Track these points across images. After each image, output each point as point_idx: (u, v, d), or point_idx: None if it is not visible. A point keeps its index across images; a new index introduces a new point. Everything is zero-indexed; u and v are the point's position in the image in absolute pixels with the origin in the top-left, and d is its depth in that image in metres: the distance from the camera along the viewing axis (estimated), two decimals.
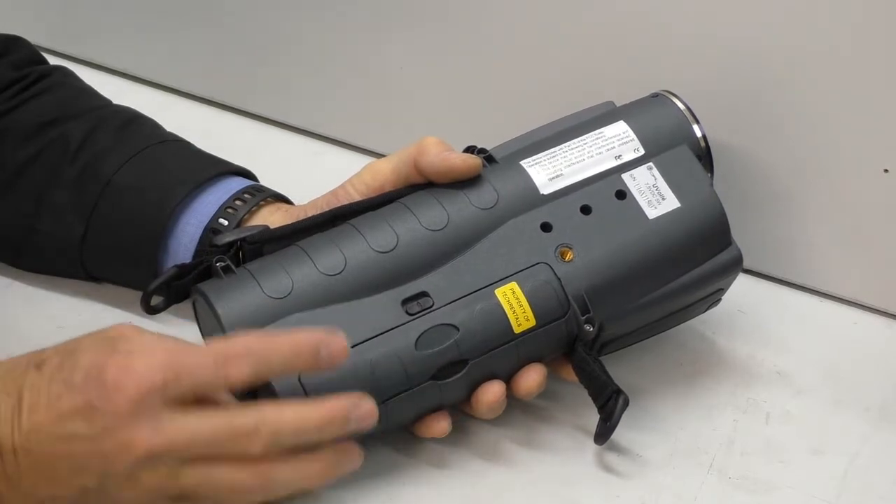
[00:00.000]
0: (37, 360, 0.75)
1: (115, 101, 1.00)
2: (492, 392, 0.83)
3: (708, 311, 0.92)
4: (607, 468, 0.86)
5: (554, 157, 0.87)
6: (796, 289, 1.00)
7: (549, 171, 0.87)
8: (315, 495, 0.83)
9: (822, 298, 1.00)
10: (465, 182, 0.86)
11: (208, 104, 1.15)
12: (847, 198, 0.96)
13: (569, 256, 0.85)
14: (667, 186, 0.87)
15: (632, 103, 0.91)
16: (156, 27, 1.15)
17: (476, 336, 0.82)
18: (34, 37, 1.03)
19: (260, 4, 1.10)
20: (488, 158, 0.88)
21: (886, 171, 0.93)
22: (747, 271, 1.00)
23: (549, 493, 0.84)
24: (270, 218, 0.90)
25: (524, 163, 0.87)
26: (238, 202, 0.91)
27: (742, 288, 0.98)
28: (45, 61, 1.01)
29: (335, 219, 0.86)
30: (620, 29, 0.97)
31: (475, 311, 0.83)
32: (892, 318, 0.98)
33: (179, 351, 0.74)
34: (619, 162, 0.88)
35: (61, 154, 0.94)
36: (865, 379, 0.93)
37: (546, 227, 0.85)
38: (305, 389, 0.79)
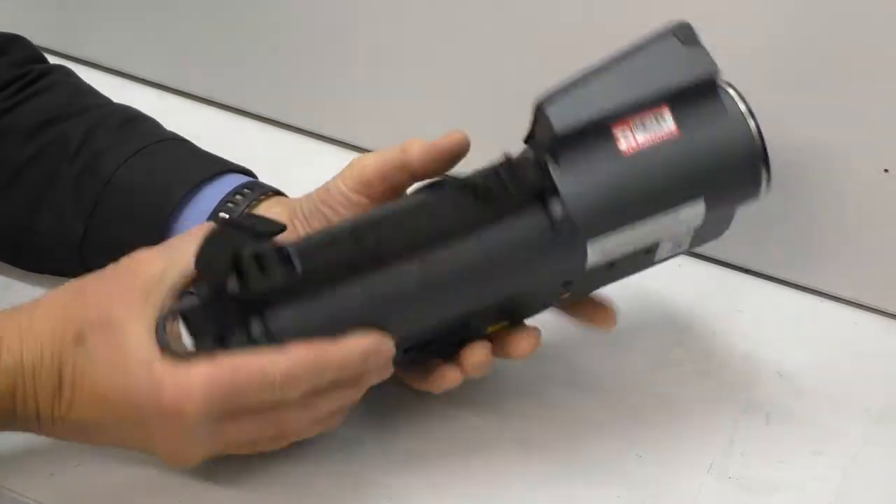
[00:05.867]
0: (74, 332, 0.78)
1: (115, 101, 1.00)
2: (479, 352, 0.84)
3: (708, 311, 0.92)
4: (607, 468, 0.86)
5: (624, 243, 0.83)
6: (796, 289, 1.00)
7: (607, 256, 0.83)
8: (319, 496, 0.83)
9: (822, 298, 1.00)
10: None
11: (208, 104, 1.15)
12: (847, 198, 0.96)
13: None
14: None
15: (706, 134, 0.83)
16: (155, 27, 1.15)
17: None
18: (33, 36, 1.03)
19: (260, 4, 1.10)
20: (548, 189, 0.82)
21: (886, 171, 0.93)
22: (747, 271, 1.00)
23: (548, 494, 0.84)
24: (269, 212, 0.90)
25: (590, 244, 0.82)
26: (238, 196, 0.92)
27: (742, 288, 0.98)
28: (45, 60, 1.01)
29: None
30: (619, 24, 0.97)
31: None
32: (892, 318, 0.98)
33: (237, 369, 0.78)
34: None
35: (61, 153, 0.94)
36: (865, 379, 0.93)
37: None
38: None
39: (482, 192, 0.81)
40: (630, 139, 0.82)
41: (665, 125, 0.82)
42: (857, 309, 0.99)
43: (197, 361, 0.77)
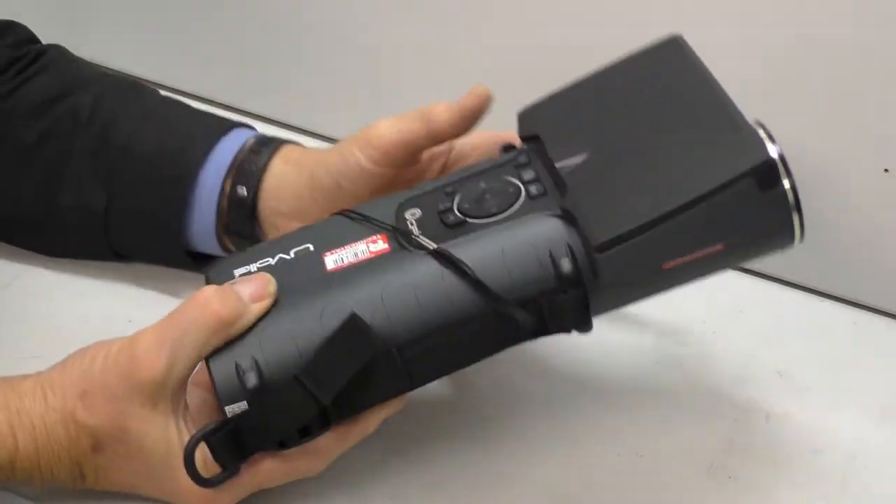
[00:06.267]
0: (91, 443, 0.78)
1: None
2: None
3: (708, 311, 0.92)
4: (607, 468, 0.86)
5: None
6: (796, 289, 1.00)
7: None
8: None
9: (822, 298, 1.00)
10: None
11: (208, 104, 1.15)
12: (847, 198, 0.96)
13: None
14: None
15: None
16: (156, 27, 1.15)
17: None
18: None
19: (261, 4, 1.10)
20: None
21: (886, 170, 0.93)
22: (747, 271, 1.00)
23: (548, 493, 0.84)
24: (286, 168, 0.90)
25: None
26: (262, 148, 0.91)
27: (742, 288, 0.98)
28: (39, 41, 1.02)
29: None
30: (620, 24, 0.97)
31: None
32: (892, 318, 0.98)
33: (263, 477, 0.79)
34: None
35: (72, 126, 0.94)
36: (865, 379, 0.93)
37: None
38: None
39: (522, 326, 0.79)
40: (676, 261, 0.78)
41: (714, 247, 0.78)
42: (857, 309, 0.99)
43: (224, 484, 0.78)
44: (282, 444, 0.78)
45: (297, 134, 1.13)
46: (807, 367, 0.94)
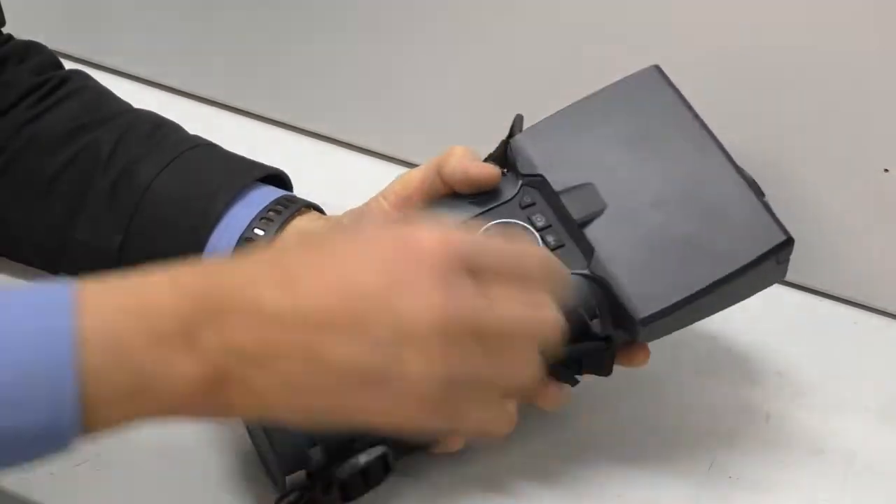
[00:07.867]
0: (307, 242, 0.76)
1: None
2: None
3: None
4: (607, 467, 0.86)
5: None
6: (796, 289, 1.00)
7: None
8: None
9: (821, 298, 1.00)
10: None
11: (208, 104, 1.15)
12: (847, 198, 0.96)
13: None
14: None
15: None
16: (156, 27, 1.15)
17: None
18: (33, 37, 1.03)
19: (261, 4, 1.10)
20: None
21: (886, 171, 0.93)
22: None
23: (548, 493, 0.84)
24: (307, 228, 0.89)
25: None
26: (272, 213, 0.91)
27: None
28: (61, 65, 1.01)
29: None
30: (624, 27, 0.97)
31: None
32: (892, 317, 0.98)
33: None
34: None
35: (93, 163, 0.93)
36: (865, 379, 0.93)
37: None
38: None
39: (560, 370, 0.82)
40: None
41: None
42: (857, 309, 0.99)
43: None
44: (345, 497, 0.80)
45: (297, 134, 1.13)
46: (807, 367, 0.94)
